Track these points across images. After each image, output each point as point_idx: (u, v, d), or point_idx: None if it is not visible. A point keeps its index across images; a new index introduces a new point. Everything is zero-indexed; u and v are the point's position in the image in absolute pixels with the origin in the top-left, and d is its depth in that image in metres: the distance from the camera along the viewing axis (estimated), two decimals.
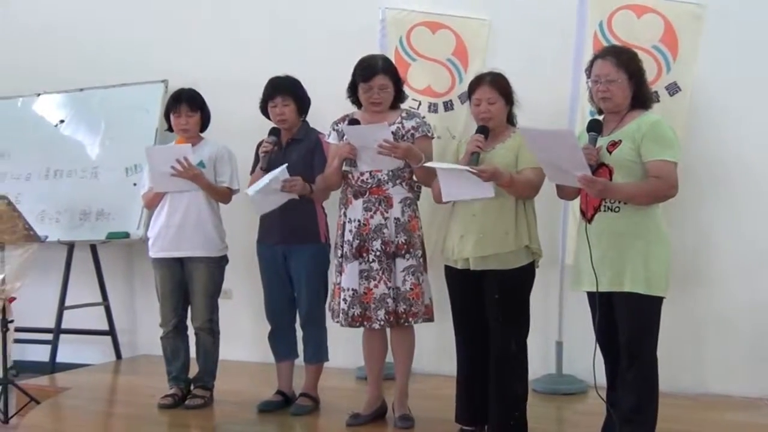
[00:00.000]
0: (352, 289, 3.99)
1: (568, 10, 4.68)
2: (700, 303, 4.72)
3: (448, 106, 5.01)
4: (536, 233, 3.75)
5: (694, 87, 4.56)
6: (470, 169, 3.54)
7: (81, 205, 5.91)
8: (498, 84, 3.76)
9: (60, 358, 5.82)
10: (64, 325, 5.87)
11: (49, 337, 5.84)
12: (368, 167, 4.00)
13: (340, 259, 4.08)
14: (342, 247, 4.07)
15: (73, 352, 6.02)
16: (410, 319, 3.98)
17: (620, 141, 3.35)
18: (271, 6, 5.80)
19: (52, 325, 5.85)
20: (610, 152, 3.35)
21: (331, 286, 4.25)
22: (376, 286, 3.96)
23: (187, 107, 4.51)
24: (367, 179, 4.02)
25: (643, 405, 3.34)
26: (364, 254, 3.99)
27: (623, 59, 3.42)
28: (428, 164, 3.80)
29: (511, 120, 3.85)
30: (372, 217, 3.99)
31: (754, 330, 4.64)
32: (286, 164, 4.21)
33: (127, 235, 5.72)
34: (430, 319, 4.07)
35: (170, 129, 4.64)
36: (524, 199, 3.71)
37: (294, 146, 4.36)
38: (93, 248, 6.01)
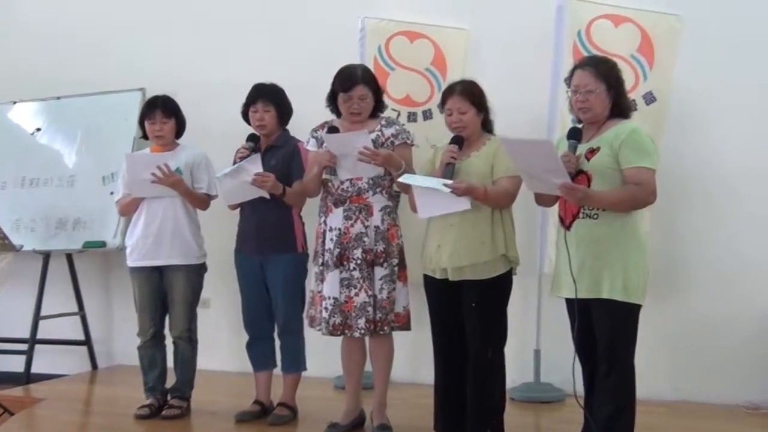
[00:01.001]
0: (333, 298, 3.98)
1: (547, 19, 4.71)
2: (677, 310, 4.76)
3: (427, 115, 5.03)
4: (513, 241, 3.75)
5: (671, 96, 4.60)
6: (443, 188, 3.54)
7: (57, 214, 5.86)
8: (468, 93, 3.76)
9: (35, 368, 5.75)
10: (39, 335, 5.80)
11: (24, 347, 5.76)
12: (348, 175, 4.00)
13: (321, 268, 4.07)
14: (323, 255, 4.06)
15: (48, 363, 5.95)
16: (385, 328, 3.98)
17: (599, 148, 3.37)
18: (250, 14, 5.79)
19: (27, 335, 5.77)
20: (589, 159, 3.37)
21: (309, 295, 4.24)
22: (356, 294, 3.95)
23: (161, 113, 4.50)
24: (347, 188, 4.01)
25: (620, 412, 3.35)
26: (345, 263, 3.98)
27: (602, 70, 3.44)
28: (402, 180, 3.79)
29: (487, 127, 3.85)
30: (352, 225, 3.99)
31: (730, 338, 4.68)
32: (259, 154, 4.22)
33: (103, 244, 5.68)
34: (405, 328, 4.07)
35: (145, 136, 4.61)
36: (500, 208, 3.72)
37: (273, 153, 4.35)
38: (69, 257, 5.95)
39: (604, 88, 3.40)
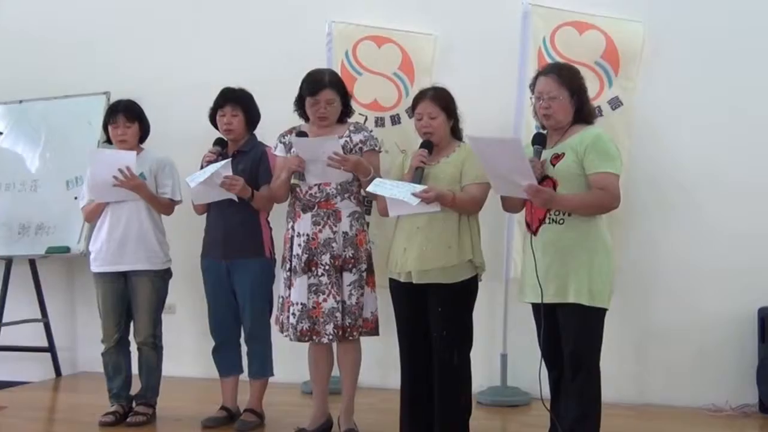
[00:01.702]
0: (301, 304, 3.97)
1: (513, 26, 4.74)
2: (642, 315, 4.80)
3: (396, 120, 5.02)
4: (479, 247, 3.77)
5: (635, 103, 4.65)
6: (411, 199, 3.53)
7: (20, 219, 5.77)
8: (439, 99, 3.79)
9: None
10: (1, 342, 5.73)
11: None
12: (317, 180, 3.99)
13: (289, 273, 4.06)
14: (290, 260, 4.05)
15: (10, 370, 5.88)
16: (354, 333, 3.98)
17: (563, 154, 3.40)
18: (217, 18, 5.76)
19: None
20: (554, 165, 3.40)
21: (277, 300, 4.23)
22: (325, 300, 3.95)
23: (124, 118, 4.46)
24: (315, 193, 4.00)
25: (586, 415, 3.38)
26: (313, 268, 3.97)
27: (565, 76, 3.47)
28: (372, 187, 3.76)
29: (456, 134, 3.88)
30: (321, 231, 3.98)
31: (695, 342, 4.74)
32: (230, 159, 4.20)
33: (67, 249, 5.61)
34: (374, 333, 4.07)
35: (109, 141, 4.58)
36: (468, 214, 3.74)
37: (240, 158, 4.33)
38: (32, 263, 5.87)
39: (567, 94, 3.44)
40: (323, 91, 4.01)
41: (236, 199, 4.20)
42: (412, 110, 3.89)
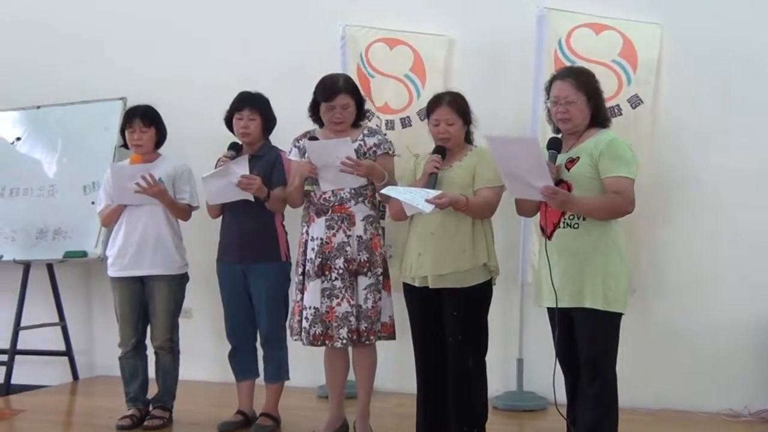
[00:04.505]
0: (314, 308, 3.97)
1: (527, 27, 4.71)
2: (658, 319, 4.76)
3: (406, 122, 4.99)
4: (494, 251, 3.76)
5: (655, 102, 4.61)
6: (425, 206, 3.52)
7: (38, 224, 5.82)
8: (456, 104, 3.79)
9: (15, 379, 5.69)
10: (19, 346, 5.74)
11: (4, 358, 5.70)
12: (331, 186, 3.99)
13: (302, 277, 4.06)
14: (304, 265, 4.05)
15: (28, 374, 5.89)
16: (371, 337, 3.97)
17: (578, 158, 3.39)
18: (232, 23, 5.76)
19: (7, 346, 5.71)
20: (569, 169, 3.39)
21: (291, 305, 4.23)
22: (338, 304, 3.94)
23: (140, 123, 4.48)
24: (329, 197, 4.00)
25: (603, 421, 3.36)
26: (327, 272, 3.97)
27: (582, 80, 3.45)
28: (385, 191, 3.76)
29: (468, 138, 3.87)
30: (335, 235, 3.98)
31: (711, 346, 4.68)
32: (247, 156, 4.21)
33: (84, 254, 5.64)
34: (391, 337, 4.07)
35: (125, 145, 4.60)
36: (481, 218, 3.73)
37: (255, 162, 4.32)
38: (50, 267, 5.91)
39: (584, 98, 3.42)
40: (338, 96, 4.01)
41: (252, 199, 4.21)
42: (426, 115, 3.87)
